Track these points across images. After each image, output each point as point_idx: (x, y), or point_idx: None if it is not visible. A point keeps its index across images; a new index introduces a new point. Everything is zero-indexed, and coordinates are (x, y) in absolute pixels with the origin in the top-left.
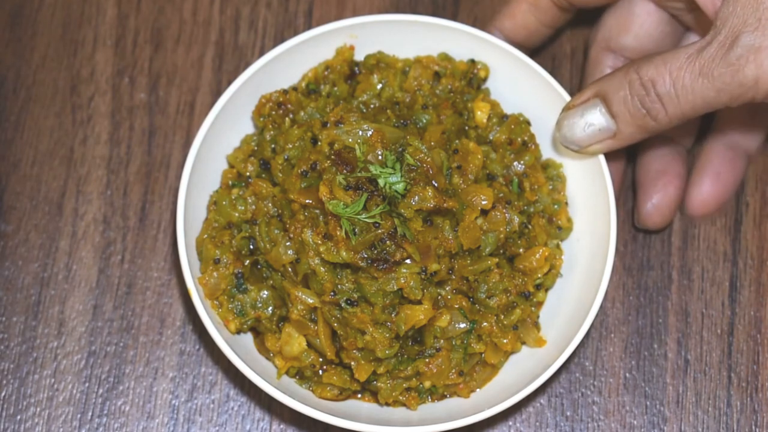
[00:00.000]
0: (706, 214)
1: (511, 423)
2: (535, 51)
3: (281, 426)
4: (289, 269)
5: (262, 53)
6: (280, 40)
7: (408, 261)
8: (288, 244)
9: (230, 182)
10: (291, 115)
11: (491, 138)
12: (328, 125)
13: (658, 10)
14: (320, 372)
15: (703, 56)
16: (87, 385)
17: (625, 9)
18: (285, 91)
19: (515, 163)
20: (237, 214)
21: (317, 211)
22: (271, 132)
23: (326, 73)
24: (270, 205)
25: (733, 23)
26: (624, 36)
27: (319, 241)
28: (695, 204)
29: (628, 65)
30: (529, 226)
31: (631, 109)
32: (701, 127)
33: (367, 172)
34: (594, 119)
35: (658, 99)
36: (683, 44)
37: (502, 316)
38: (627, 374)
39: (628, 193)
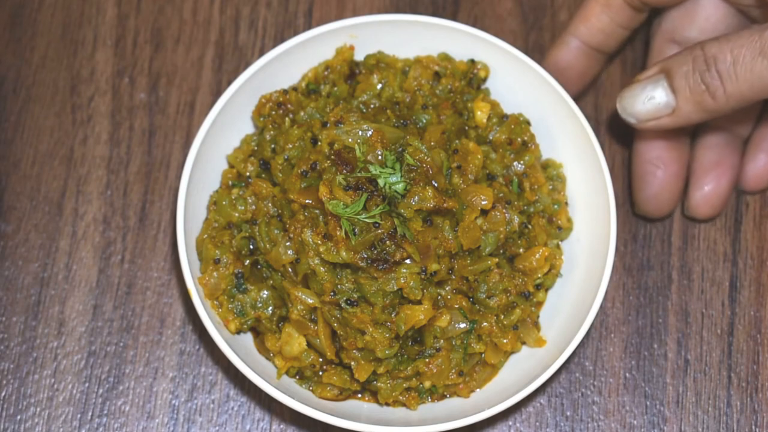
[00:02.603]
0: (760, 189)
1: (511, 423)
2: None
3: (281, 426)
4: (289, 269)
5: (262, 53)
6: (280, 40)
7: (408, 261)
8: (288, 244)
9: (230, 182)
10: (291, 115)
11: (491, 138)
12: (328, 125)
13: (724, 5)
14: (320, 372)
15: (765, 36)
16: (87, 385)
17: (691, 1)
18: (285, 91)
19: (515, 163)
20: (237, 214)
21: (317, 211)
22: (271, 132)
23: (326, 73)
24: (270, 205)
25: None
26: (689, 28)
27: (319, 241)
28: (749, 178)
29: (695, 44)
30: (529, 226)
31: (691, 84)
32: (760, 114)
33: (367, 172)
34: (655, 93)
35: (718, 76)
36: None
37: (502, 316)
38: (627, 374)
39: (626, 182)
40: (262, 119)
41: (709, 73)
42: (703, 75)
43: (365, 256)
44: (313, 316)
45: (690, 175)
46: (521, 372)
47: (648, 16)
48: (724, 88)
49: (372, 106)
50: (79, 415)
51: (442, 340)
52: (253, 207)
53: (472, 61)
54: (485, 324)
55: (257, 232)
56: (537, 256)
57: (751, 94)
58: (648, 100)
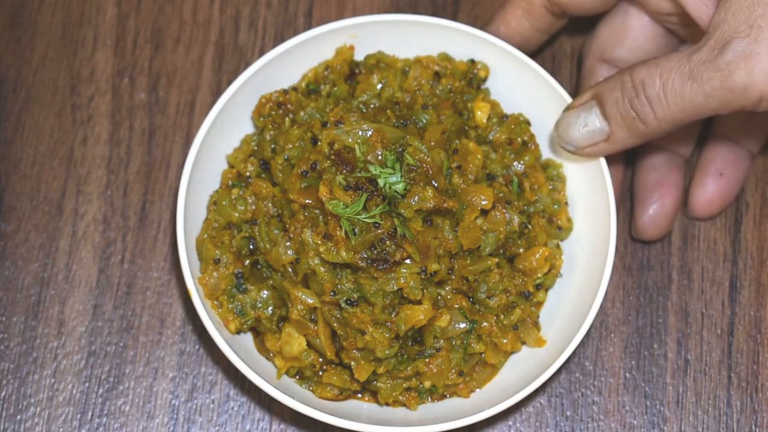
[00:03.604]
0: (710, 215)
1: (511, 423)
2: (534, 52)
3: (281, 426)
4: (289, 269)
5: (262, 53)
6: (280, 40)
7: (408, 261)
8: (288, 244)
9: (230, 182)
10: (291, 115)
11: (491, 138)
12: (328, 125)
13: (652, 24)
14: (320, 372)
15: (693, 60)
16: (87, 385)
17: (620, 21)
18: (285, 91)
19: (515, 163)
20: (237, 214)
21: (317, 211)
22: (271, 132)
23: (326, 73)
24: (270, 205)
25: (724, 30)
26: (618, 48)
27: (319, 241)
28: (699, 204)
29: (625, 68)
30: (529, 226)
31: (621, 111)
32: (701, 133)
33: (367, 172)
34: (589, 120)
35: (647, 102)
36: None
37: (502, 316)
38: (627, 374)
39: (627, 195)
40: (262, 119)
41: (638, 99)
42: (633, 102)
43: (365, 256)
44: (313, 316)
45: (634, 198)
46: (521, 372)
47: (568, 22)
48: (654, 114)
49: (372, 106)
50: (79, 415)
51: (442, 340)
52: (253, 207)
53: (472, 61)
54: (485, 324)
55: (257, 232)
56: (537, 256)
57: (682, 118)
58: (583, 128)
